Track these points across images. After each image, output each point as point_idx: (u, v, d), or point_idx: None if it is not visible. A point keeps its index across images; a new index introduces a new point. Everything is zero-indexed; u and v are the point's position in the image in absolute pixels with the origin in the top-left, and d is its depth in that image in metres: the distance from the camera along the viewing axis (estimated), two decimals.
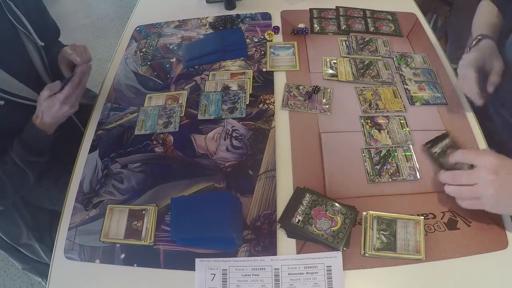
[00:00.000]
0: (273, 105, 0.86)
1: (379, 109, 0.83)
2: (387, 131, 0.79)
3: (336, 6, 1.12)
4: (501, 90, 0.74)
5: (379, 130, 0.79)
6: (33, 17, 0.84)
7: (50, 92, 0.75)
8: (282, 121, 0.83)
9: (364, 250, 0.63)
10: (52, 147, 0.82)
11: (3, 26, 0.78)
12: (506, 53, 0.76)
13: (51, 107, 0.76)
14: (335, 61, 0.95)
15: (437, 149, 0.74)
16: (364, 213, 0.67)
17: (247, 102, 0.87)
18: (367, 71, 0.92)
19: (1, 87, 0.74)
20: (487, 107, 0.84)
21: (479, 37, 0.77)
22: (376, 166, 0.73)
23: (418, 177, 0.71)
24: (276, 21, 1.10)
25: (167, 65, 1.01)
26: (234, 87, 0.91)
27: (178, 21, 1.15)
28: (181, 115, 0.87)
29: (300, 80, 0.91)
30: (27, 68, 0.83)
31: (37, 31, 0.84)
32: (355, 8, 1.12)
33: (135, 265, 0.66)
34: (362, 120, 0.81)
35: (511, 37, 0.76)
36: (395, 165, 0.73)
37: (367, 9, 1.11)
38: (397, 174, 0.72)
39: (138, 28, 1.15)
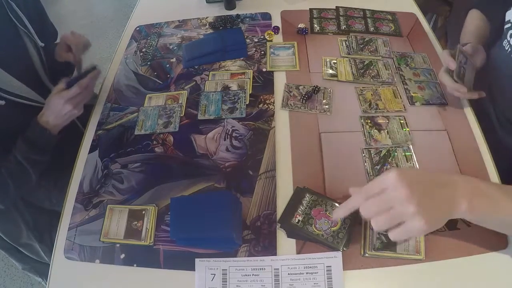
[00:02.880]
0: (273, 105, 0.86)
1: (379, 109, 0.83)
2: (387, 131, 0.79)
3: (336, 6, 1.13)
4: (491, 89, 0.75)
5: (379, 130, 0.79)
6: (33, 18, 0.84)
7: (63, 86, 0.77)
8: (282, 121, 0.83)
9: (364, 250, 0.63)
10: (52, 147, 0.82)
11: (5, 26, 0.78)
12: (494, 58, 0.77)
13: (55, 105, 0.76)
14: (335, 61, 0.95)
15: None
16: None
17: (247, 102, 0.87)
18: (367, 71, 0.92)
19: (2, 87, 0.74)
20: (485, 107, 0.84)
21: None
22: (376, 166, 0.73)
23: None
24: (276, 21, 1.10)
25: (167, 65, 1.01)
26: (234, 87, 0.91)
27: (178, 21, 1.15)
28: (181, 115, 0.87)
29: (300, 80, 0.91)
30: (27, 68, 0.83)
31: (36, 32, 0.84)
32: (355, 8, 1.11)
33: (135, 265, 0.66)
34: (362, 120, 0.81)
35: (498, 42, 0.76)
36: (395, 165, 0.73)
37: (367, 9, 1.11)
38: None
39: (138, 28, 1.15)
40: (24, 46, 0.82)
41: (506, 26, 0.74)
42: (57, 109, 0.76)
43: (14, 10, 0.79)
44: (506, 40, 0.74)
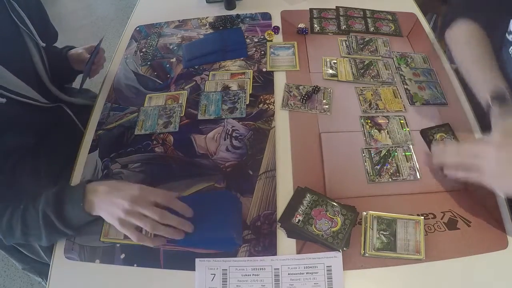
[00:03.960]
0: (273, 105, 0.86)
1: (379, 109, 0.83)
2: (387, 131, 0.79)
3: (336, 6, 1.13)
4: None
5: (379, 130, 0.79)
6: (34, 18, 0.84)
7: None
8: (282, 121, 0.83)
9: (364, 250, 0.63)
10: (52, 147, 0.82)
11: (6, 25, 0.78)
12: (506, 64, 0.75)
13: (116, 207, 0.61)
14: (335, 61, 0.95)
15: (435, 135, 0.76)
16: (364, 213, 0.67)
17: (247, 102, 0.87)
18: (367, 71, 0.92)
19: (3, 85, 0.74)
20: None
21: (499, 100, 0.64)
22: (376, 166, 0.73)
23: (418, 177, 0.71)
24: (276, 21, 1.10)
25: (167, 65, 1.01)
26: (234, 87, 0.91)
27: (178, 21, 1.15)
28: (181, 115, 0.87)
29: (300, 80, 0.91)
30: (28, 68, 0.83)
31: (38, 32, 0.84)
32: (355, 8, 1.12)
33: (135, 265, 0.66)
34: (362, 120, 0.81)
35: (504, 49, 0.74)
36: (395, 165, 0.73)
37: (367, 9, 1.11)
38: (397, 174, 0.72)
39: (138, 28, 1.15)
40: (25, 45, 0.82)
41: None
42: (113, 212, 0.61)
43: (15, 9, 0.79)
44: None
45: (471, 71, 0.73)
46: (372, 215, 0.66)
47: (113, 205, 0.60)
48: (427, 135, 0.77)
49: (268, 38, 1.04)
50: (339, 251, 0.62)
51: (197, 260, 0.64)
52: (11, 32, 0.79)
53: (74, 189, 0.65)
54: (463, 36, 0.77)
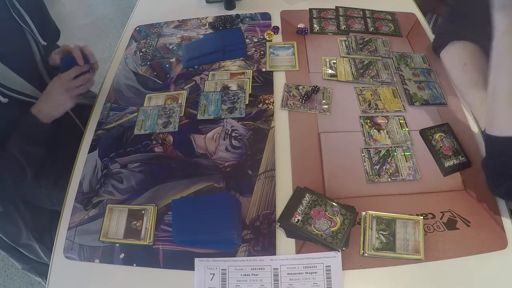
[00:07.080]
0: (272, 105, 0.86)
1: (379, 109, 0.83)
2: (387, 131, 0.79)
3: (335, 6, 1.12)
4: None
5: (379, 130, 0.79)
6: (35, 16, 0.84)
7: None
8: (281, 121, 0.83)
9: (363, 250, 0.63)
10: (52, 147, 0.82)
11: (9, 24, 0.78)
12: None
13: (54, 92, 0.78)
14: (335, 61, 0.95)
15: (434, 135, 0.75)
16: (364, 213, 0.67)
17: (247, 102, 0.87)
18: (367, 71, 0.92)
19: (6, 84, 0.74)
20: None
21: None
22: (375, 166, 0.73)
23: (418, 177, 0.71)
24: (276, 21, 1.10)
25: (167, 65, 1.01)
26: (233, 87, 0.91)
27: (178, 21, 1.15)
28: (181, 115, 0.87)
29: (300, 80, 0.91)
30: (30, 66, 0.83)
31: (38, 31, 0.84)
32: (355, 8, 1.11)
33: (135, 264, 0.66)
34: (362, 120, 0.81)
35: None
36: (394, 165, 0.73)
37: (367, 9, 1.11)
38: (397, 174, 0.72)
39: (138, 28, 1.15)
40: (27, 44, 0.82)
41: None
42: (54, 96, 0.78)
43: (16, 8, 0.79)
44: None
45: (467, 95, 0.75)
46: (371, 215, 0.66)
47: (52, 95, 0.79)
48: (426, 135, 0.77)
49: (267, 38, 1.04)
50: (338, 251, 0.62)
51: (196, 259, 0.64)
52: (13, 30, 0.79)
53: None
54: (459, 58, 0.79)
